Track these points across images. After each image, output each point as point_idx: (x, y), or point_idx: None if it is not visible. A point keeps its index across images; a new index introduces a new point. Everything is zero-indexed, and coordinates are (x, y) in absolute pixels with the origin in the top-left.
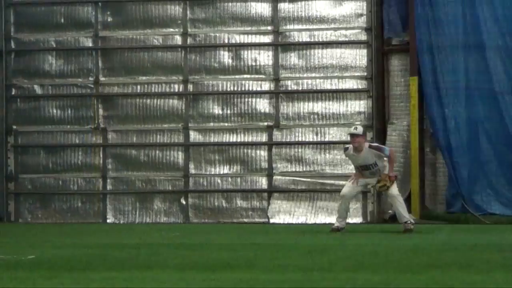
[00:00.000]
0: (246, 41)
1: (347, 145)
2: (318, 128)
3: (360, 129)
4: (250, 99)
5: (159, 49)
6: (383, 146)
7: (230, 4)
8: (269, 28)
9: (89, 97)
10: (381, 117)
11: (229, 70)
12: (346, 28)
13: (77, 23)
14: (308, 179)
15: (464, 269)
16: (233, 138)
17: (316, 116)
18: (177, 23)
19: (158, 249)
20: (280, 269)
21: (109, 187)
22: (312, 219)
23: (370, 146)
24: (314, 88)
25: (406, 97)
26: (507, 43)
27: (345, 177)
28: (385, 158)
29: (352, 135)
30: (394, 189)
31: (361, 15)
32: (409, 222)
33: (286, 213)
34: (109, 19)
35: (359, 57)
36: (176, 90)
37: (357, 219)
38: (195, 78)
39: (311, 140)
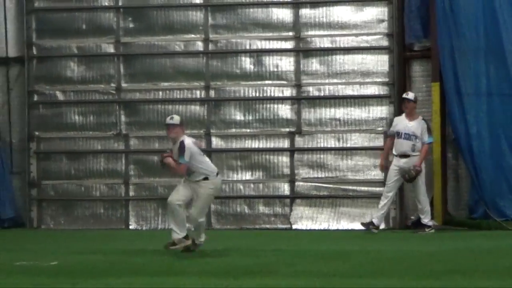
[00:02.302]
0: (267, 47)
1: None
2: (340, 134)
3: (176, 119)
4: (272, 105)
5: (181, 55)
6: (185, 151)
7: (251, 10)
8: (291, 34)
9: (111, 103)
10: None
11: (250, 76)
12: (367, 34)
13: (98, 29)
14: (330, 185)
15: (485, 275)
16: (255, 144)
17: (338, 122)
18: (199, 29)
19: (180, 255)
20: (301, 275)
21: (131, 193)
22: (334, 225)
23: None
24: (336, 94)
25: (428, 103)
26: None
27: (367, 182)
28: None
29: (168, 125)
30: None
31: (383, 21)
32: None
33: (308, 219)
34: (131, 25)
35: (380, 62)
36: (198, 96)
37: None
38: (216, 84)
39: (333, 146)
